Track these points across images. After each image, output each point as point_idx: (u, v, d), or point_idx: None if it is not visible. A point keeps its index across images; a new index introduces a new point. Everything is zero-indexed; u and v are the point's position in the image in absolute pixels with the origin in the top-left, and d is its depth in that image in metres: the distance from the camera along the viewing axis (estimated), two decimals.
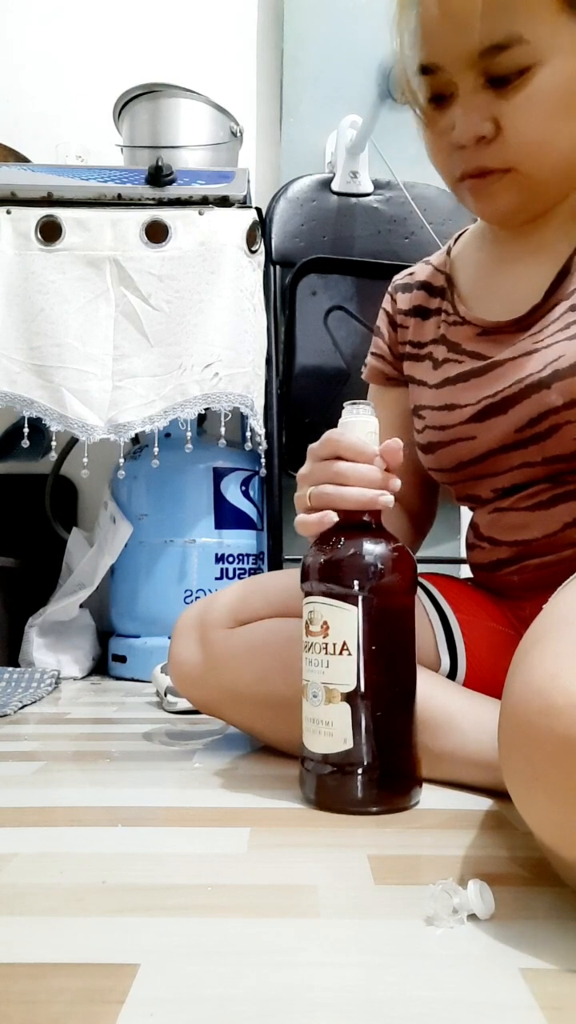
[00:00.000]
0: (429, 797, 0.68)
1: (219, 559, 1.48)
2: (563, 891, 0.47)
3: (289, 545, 1.51)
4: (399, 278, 0.90)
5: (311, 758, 0.63)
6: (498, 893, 0.44)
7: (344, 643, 0.60)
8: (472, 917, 0.43)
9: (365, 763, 0.61)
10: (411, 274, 0.89)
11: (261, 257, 1.44)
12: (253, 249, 1.40)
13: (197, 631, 0.82)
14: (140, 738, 0.93)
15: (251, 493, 1.53)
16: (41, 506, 1.69)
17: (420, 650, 0.78)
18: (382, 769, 0.61)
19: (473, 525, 0.84)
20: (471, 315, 0.78)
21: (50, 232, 1.35)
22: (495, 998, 0.36)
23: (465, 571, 1.01)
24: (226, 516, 1.50)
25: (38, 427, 1.33)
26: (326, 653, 0.60)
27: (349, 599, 0.60)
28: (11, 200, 1.37)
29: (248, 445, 1.44)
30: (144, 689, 1.33)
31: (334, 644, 0.60)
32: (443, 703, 0.72)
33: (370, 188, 1.60)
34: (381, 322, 0.91)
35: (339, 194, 1.59)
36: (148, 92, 1.57)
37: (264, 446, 1.45)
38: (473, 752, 0.69)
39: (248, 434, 1.42)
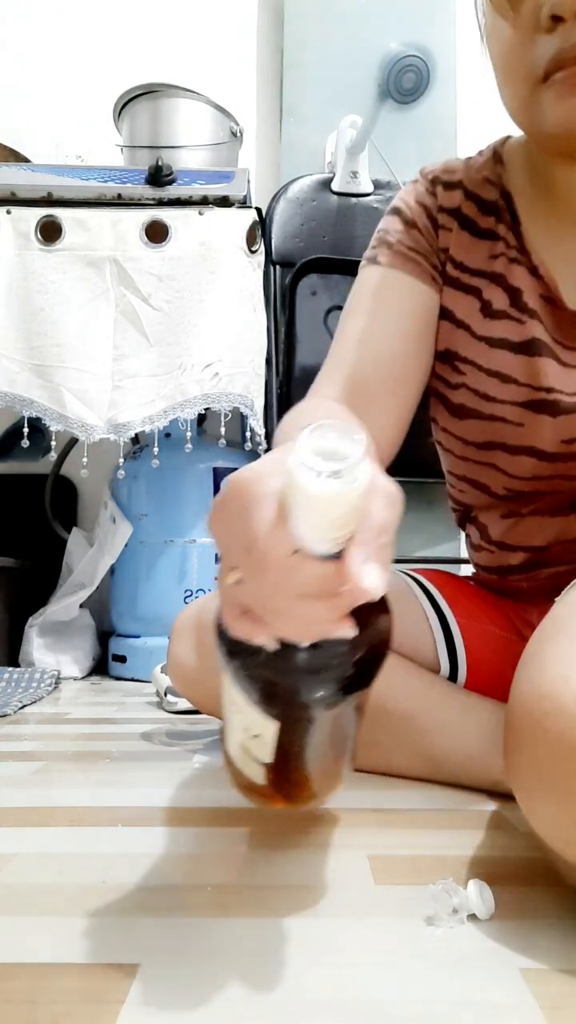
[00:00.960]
0: (429, 797, 0.68)
1: (219, 559, 1.48)
2: (563, 891, 0.47)
3: None
4: (434, 169, 0.68)
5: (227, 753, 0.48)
6: (498, 893, 0.44)
7: (259, 735, 0.42)
8: (472, 917, 0.43)
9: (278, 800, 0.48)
10: (451, 171, 0.68)
11: (261, 257, 1.44)
12: (253, 249, 1.40)
13: (195, 632, 0.81)
14: (140, 738, 0.93)
15: None
16: (41, 506, 1.69)
17: (420, 653, 0.77)
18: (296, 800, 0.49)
19: (480, 526, 0.78)
20: (544, 262, 0.62)
21: (50, 232, 1.35)
22: (495, 998, 0.36)
23: (465, 571, 1.01)
24: None
25: (38, 427, 1.33)
26: (241, 749, 0.45)
27: (273, 715, 0.40)
28: (11, 200, 1.37)
29: (248, 445, 1.44)
30: (144, 689, 1.33)
31: (245, 729, 0.43)
32: (443, 703, 0.72)
33: (370, 188, 1.60)
34: (414, 213, 0.67)
35: (339, 194, 1.59)
36: (148, 92, 1.57)
37: (264, 446, 1.45)
38: (473, 753, 0.69)
39: (248, 434, 1.42)
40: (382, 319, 0.59)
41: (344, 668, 0.37)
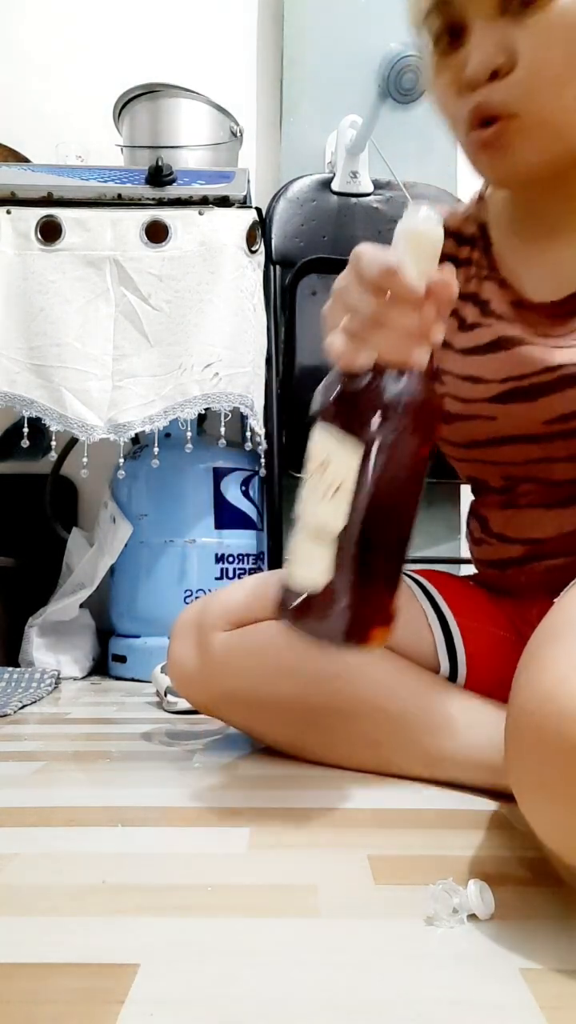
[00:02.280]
0: (429, 797, 0.68)
1: (219, 559, 1.48)
2: (563, 891, 0.47)
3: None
4: None
5: (290, 589, 0.56)
6: (498, 893, 0.44)
7: (340, 483, 0.52)
8: (472, 917, 0.43)
9: (336, 618, 0.55)
10: (445, 215, 0.77)
11: (261, 257, 1.44)
12: (253, 249, 1.40)
13: (195, 633, 0.81)
14: (140, 738, 0.93)
15: (251, 493, 1.53)
16: (41, 506, 1.69)
17: (419, 654, 0.78)
18: (355, 609, 0.55)
19: (481, 519, 0.80)
20: (507, 275, 0.69)
21: (50, 232, 1.35)
22: (495, 998, 0.36)
23: (465, 570, 1.01)
24: (226, 516, 1.50)
25: (38, 427, 1.33)
26: (319, 492, 0.53)
27: (357, 433, 0.52)
28: (11, 200, 1.37)
29: (248, 445, 1.44)
30: (144, 689, 1.33)
31: (329, 482, 0.53)
32: (443, 704, 0.72)
33: (370, 188, 1.60)
34: None
35: (339, 194, 1.59)
36: (148, 92, 1.57)
37: (264, 446, 1.45)
38: (473, 753, 0.69)
39: (248, 434, 1.42)
40: None
41: (416, 398, 0.52)
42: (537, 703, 0.42)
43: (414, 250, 0.51)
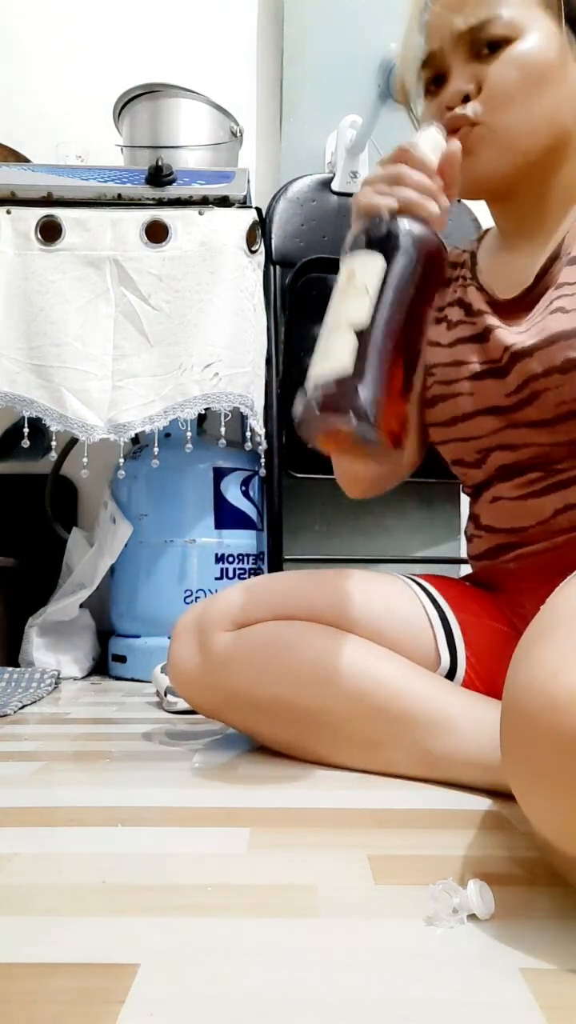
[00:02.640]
0: (429, 797, 0.68)
1: (219, 559, 1.48)
2: (563, 891, 0.47)
3: (289, 545, 1.51)
4: None
5: (316, 386, 0.62)
6: (498, 893, 0.44)
7: (366, 285, 0.62)
8: (472, 917, 0.43)
9: (362, 394, 0.59)
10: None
11: (261, 257, 1.44)
12: (253, 249, 1.40)
13: (196, 634, 0.82)
14: (140, 738, 0.93)
15: (251, 493, 1.53)
16: (41, 506, 1.69)
17: (420, 648, 0.78)
18: (375, 402, 0.60)
19: (473, 516, 0.87)
20: (486, 283, 0.85)
21: (50, 232, 1.35)
22: (495, 998, 0.36)
23: (465, 571, 1.01)
24: (226, 516, 1.50)
25: (38, 427, 1.33)
26: (347, 295, 0.63)
27: (380, 248, 0.64)
28: (11, 200, 1.36)
29: (248, 445, 1.44)
30: (144, 689, 1.33)
31: (356, 286, 0.63)
32: (443, 704, 0.73)
33: None
34: None
35: (339, 194, 1.59)
36: (148, 92, 1.57)
37: (264, 446, 1.45)
38: (473, 753, 0.69)
39: (248, 434, 1.42)
40: None
41: (427, 240, 0.65)
42: (530, 697, 0.43)
43: (423, 142, 0.69)
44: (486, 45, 0.74)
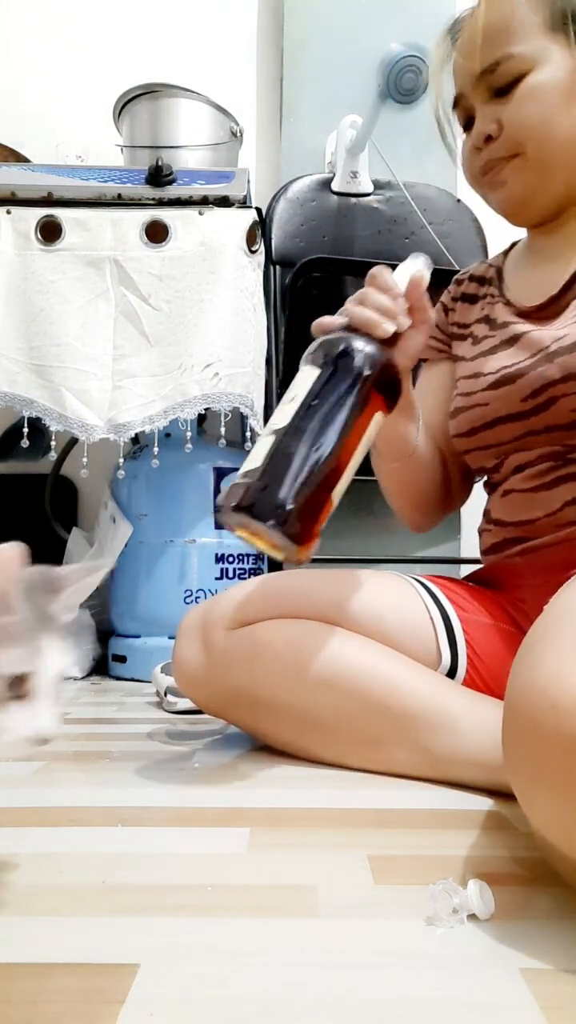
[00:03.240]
0: (429, 797, 0.68)
1: (219, 559, 1.48)
2: (563, 891, 0.47)
3: None
4: (460, 273, 1.00)
5: (236, 484, 0.63)
6: (498, 893, 0.44)
7: (295, 394, 0.66)
8: (472, 917, 0.43)
9: (267, 494, 0.61)
10: (468, 271, 0.99)
11: (261, 257, 1.44)
12: (253, 249, 1.40)
13: (200, 632, 0.82)
14: (140, 738, 0.93)
15: None
16: (41, 506, 1.69)
17: (421, 647, 0.79)
18: (276, 502, 0.61)
19: (485, 512, 0.89)
20: (512, 296, 0.88)
21: (50, 232, 1.35)
22: (495, 998, 0.36)
23: (465, 571, 1.02)
24: None
25: (38, 427, 1.33)
26: (282, 403, 0.66)
27: (318, 362, 0.67)
28: (11, 200, 1.36)
29: (248, 445, 1.44)
30: (144, 689, 1.33)
31: (290, 397, 0.66)
32: (444, 702, 0.73)
33: (370, 188, 1.60)
34: (436, 313, 0.98)
35: (339, 194, 1.59)
36: (148, 92, 1.57)
37: None
38: (474, 751, 0.69)
39: (248, 434, 1.42)
40: (428, 400, 0.91)
41: (376, 358, 0.67)
42: (532, 698, 0.43)
43: (401, 269, 0.74)
44: (503, 84, 0.78)
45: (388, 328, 0.68)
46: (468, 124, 0.84)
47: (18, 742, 0.41)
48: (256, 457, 0.64)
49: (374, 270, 0.72)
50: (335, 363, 0.67)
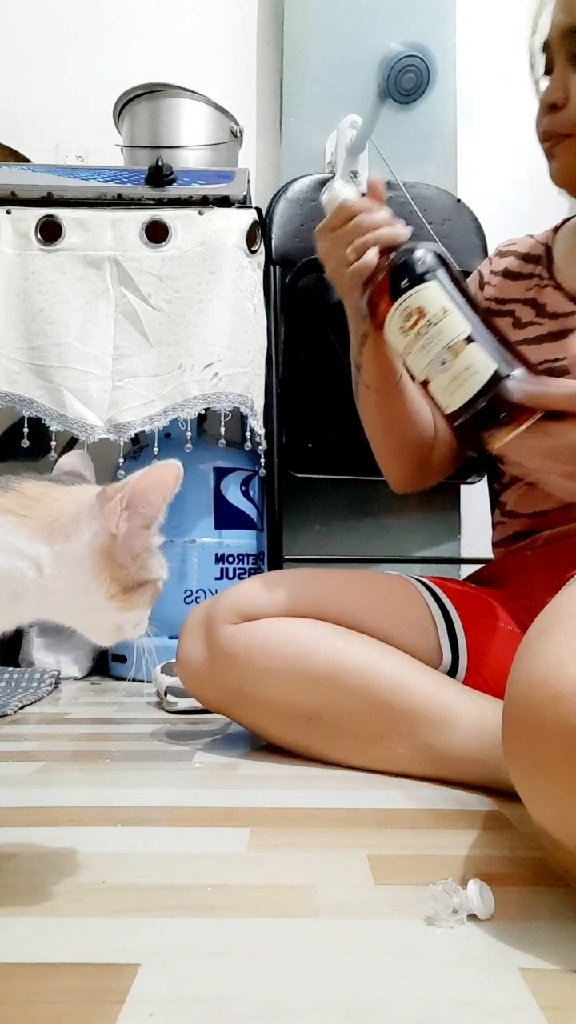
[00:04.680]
0: (429, 797, 0.68)
1: (219, 559, 1.48)
2: (563, 891, 0.47)
3: (289, 545, 1.51)
4: (501, 244, 0.99)
5: (465, 404, 0.66)
6: (498, 893, 0.44)
7: (442, 308, 0.69)
8: (472, 917, 0.43)
9: (518, 374, 0.65)
10: (512, 244, 0.97)
11: (261, 257, 1.44)
12: (253, 249, 1.40)
13: (204, 628, 0.82)
14: (140, 738, 0.93)
15: (251, 493, 1.53)
16: None
17: (422, 645, 0.79)
18: (525, 374, 0.65)
19: (500, 504, 0.91)
20: (565, 282, 0.85)
21: (50, 232, 1.35)
22: (495, 998, 0.36)
23: (465, 571, 1.02)
24: (226, 516, 1.49)
25: (38, 427, 1.33)
26: (433, 325, 0.69)
27: (423, 279, 0.70)
28: (11, 200, 1.36)
29: (248, 445, 1.44)
30: (144, 689, 1.33)
31: (434, 315, 0.69)
32: (446, 701, 0.73)
33: None
34: (472, 279, 0.99)
35: None
36: (148, 92, 1.57)
37: (264, 446, 1.45)
38: (474, 749, 0.69)
39: (248, 434, 1.42)
40: None
41: (428, 245, 0.73)
42: (532, 688, 0.43)
43: (344, 195, 0.79)
44: None
45: (405, 231, 0.75)
46: (547, 71, 0.82)
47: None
48: (477, 367, 0.66)
49: (342, 206, 0.76)
50: (433, 266, 0.71)
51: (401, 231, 0.75)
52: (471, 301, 0.70)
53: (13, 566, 0.43)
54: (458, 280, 0.72)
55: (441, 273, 0.71)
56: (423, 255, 0.72)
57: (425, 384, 0.71)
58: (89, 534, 0.45)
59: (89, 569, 0.45)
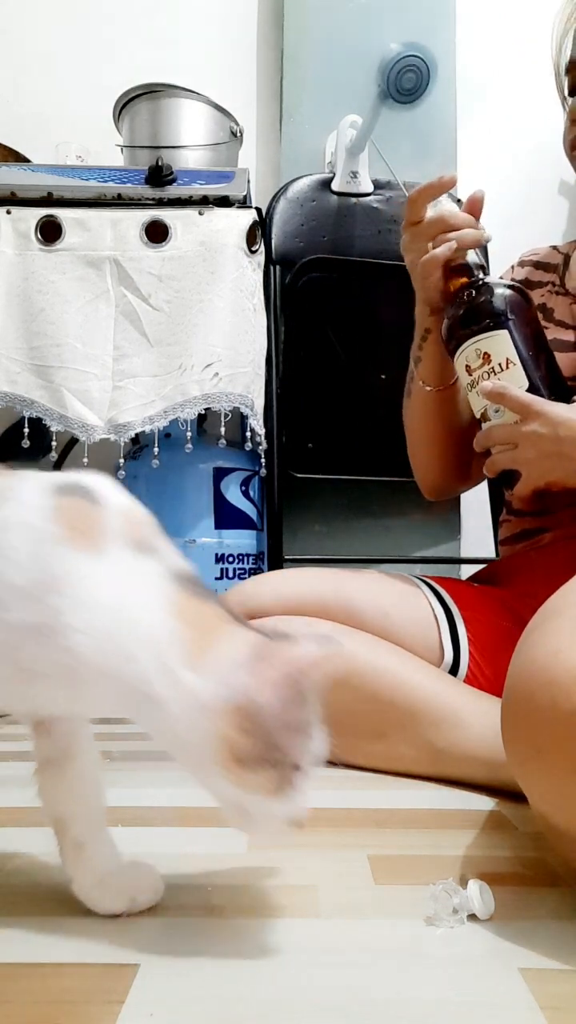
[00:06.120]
0: (429, 797, 0.68)
1: (219, 559, 1.48)
2: (563, 891, 0.47)
3: (289, 545, 1.51)
4: (524, 254, 1.02)
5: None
6: (498, 893, 0.44)
7: (507, 359, 0.72)
8: (472, 917, 0.43)
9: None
10: (534, 253, 1.01)
11: (261, 257, 1.44)
12: (253, 249, 1.40)
13: None
14: (140, 738, 0.93)
15: (251, 493, 1.53)
16: None
17: (424, 644, 0.79)
18: None
19: (506, 502, 0.92)
20: (572, 287, 0.87)
21: (50, 232, 1.35)
22: (495, 998, 0.36)
23: (465, 571, 1.02)
24: (226, 516, 1.49)
25: (38, 427, 1.33)
26: (495, 373, 0.72)
27: (497, 325, 0.74)
28: (11, 200, 1.36)
29: (248, 445, 1.43)
30: None
31: (499, 364, 0.72)
32: (447, 699, 0.73)
33: (370, 188, 1.60)
34: None
35: (339, 194, 1.59)
36: (148, 92, 1.57)
37: (264, 446, 1.45)
38: (476, 747, 0.69)
39: (248, 434, 1.42)
40: None
41: (512, 293, 0.76)
42: (530, 675, 0.43)
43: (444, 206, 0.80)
44: None
45: (489, 235, 0.78)
46: (572, 91, 0.85)
47: (279, 825, 0.42)
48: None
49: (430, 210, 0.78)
50: (509, 315, 0.74)
51: (482, 235, 0.77)
52: (538, 350, 0.73)
53: (161, 684, 0.39)
54: (532, 322, 0.75)
55: (515, 322, 0.73)
56: (502, 299, 0.75)
57: (481, 419, 0.75)
58: (230, 683, 0.39)
59: (212, 720, 0.39)
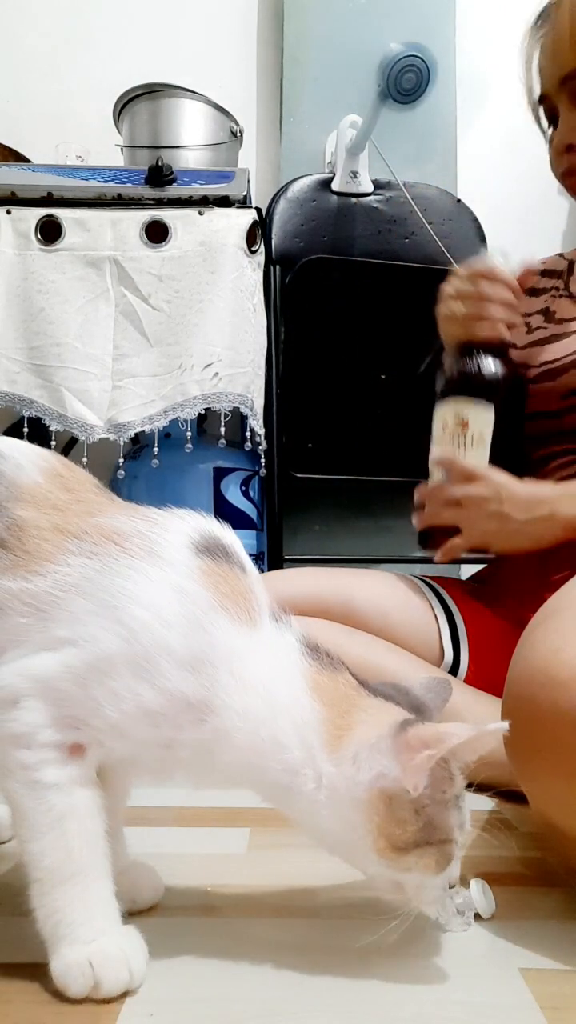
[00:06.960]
0: None
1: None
2: (563, 891, 0.47)
3: (289, 545, 1.51)
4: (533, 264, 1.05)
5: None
6: (498, 893, 0.44)
7: (481, 433, 0.75)
8: (475, 916, 0.43)
9: None
10: (543, 262, 1.02)
11: (261, 257, 1.44)
12: (253, 249, 1.40)
13: None
14: None
15: (251, 493, 1.53)
16: None
17: (424, 644, 0.79)
18: None
19: None
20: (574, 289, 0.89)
21: (50, 232, 1.35)
22: (495, 998, 0.36)
23: (465, 571, 1.02)
24: (226, 516, 1.48)
25: (38, 427, 1.33)
26: (465, 440, 0.75)
27: (484, 398, 0.76)
28: (11, 200, 1.36)
29: (248, 445, 1.43)
30: None
31: (472, 436, 0.75)
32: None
33: (370, 188, 1.60)
34: None
35: (339, 194, 1.59)
36: (148, 92, 1.57)
37: (264, 446, 1.45)
38: None
39: (248, 434, 1.42)
40: None
41: (508, 369, 0.79)
42: (531, 674, 0.43)
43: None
44: None
45: (517, 319, 0.82)
46: (553, 120, 0.86)
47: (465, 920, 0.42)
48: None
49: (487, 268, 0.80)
50: (500, 392, 0.78)
51: (511, 317, 0.80)
52: (511, 437, 0.76)
53: (307, 776, 0.39)
54: (519, 407, 0.79)
55: (499, 402, 0.76)
56: (504, 377, 0.77)
57: (436, 464, 0.79)
58: (375, 771, 0.38)
59: (362, 810, 0.38)
